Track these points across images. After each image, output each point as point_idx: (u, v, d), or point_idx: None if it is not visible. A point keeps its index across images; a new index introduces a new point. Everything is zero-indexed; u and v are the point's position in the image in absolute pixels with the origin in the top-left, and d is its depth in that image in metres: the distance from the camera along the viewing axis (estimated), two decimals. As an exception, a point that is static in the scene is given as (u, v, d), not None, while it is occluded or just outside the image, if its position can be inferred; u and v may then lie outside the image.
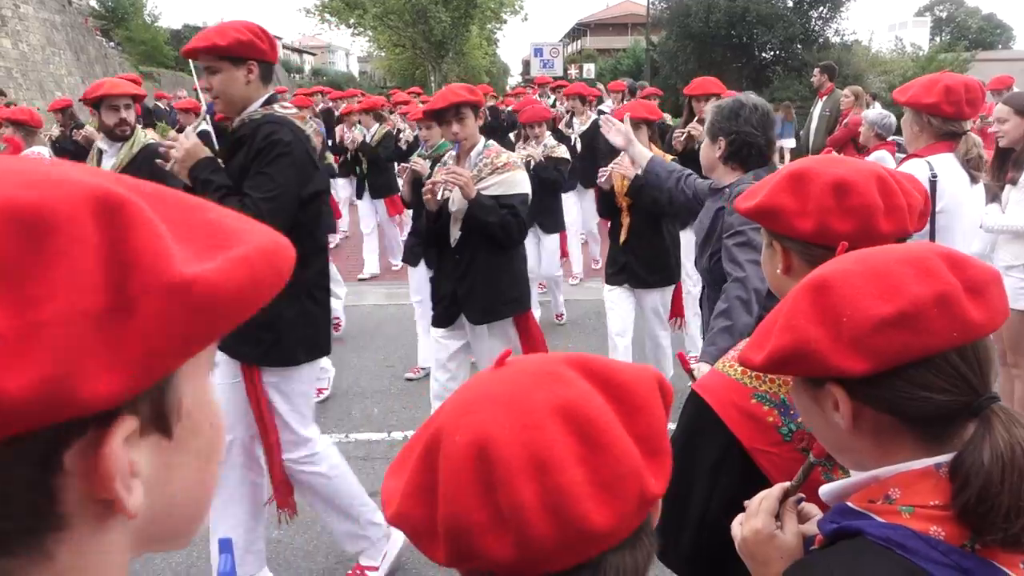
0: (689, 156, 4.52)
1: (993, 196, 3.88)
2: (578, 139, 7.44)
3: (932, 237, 2.93)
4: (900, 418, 0.92)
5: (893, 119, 5.85)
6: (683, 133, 5.13)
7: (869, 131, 5.85)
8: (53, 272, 0.42)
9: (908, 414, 0.91)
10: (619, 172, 3.97)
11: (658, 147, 4.52)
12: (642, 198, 4.14)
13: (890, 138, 5.85)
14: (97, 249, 0.43)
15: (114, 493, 0.47)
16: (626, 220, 4.39)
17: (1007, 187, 3.96)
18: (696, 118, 5.17)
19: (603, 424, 0.70)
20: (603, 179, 4.17)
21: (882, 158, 5.67)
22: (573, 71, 29.41)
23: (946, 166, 2.96)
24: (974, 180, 3.01)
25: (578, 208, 7.82)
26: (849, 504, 0.96)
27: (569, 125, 7.75)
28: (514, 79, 55.06)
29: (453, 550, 0.70)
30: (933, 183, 2.92)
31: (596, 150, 6.91)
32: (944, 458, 0.90)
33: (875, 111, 6.02)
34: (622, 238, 4.41)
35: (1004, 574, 0.86)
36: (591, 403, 0.71)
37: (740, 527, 1.15)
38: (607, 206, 4.49)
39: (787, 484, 1.14)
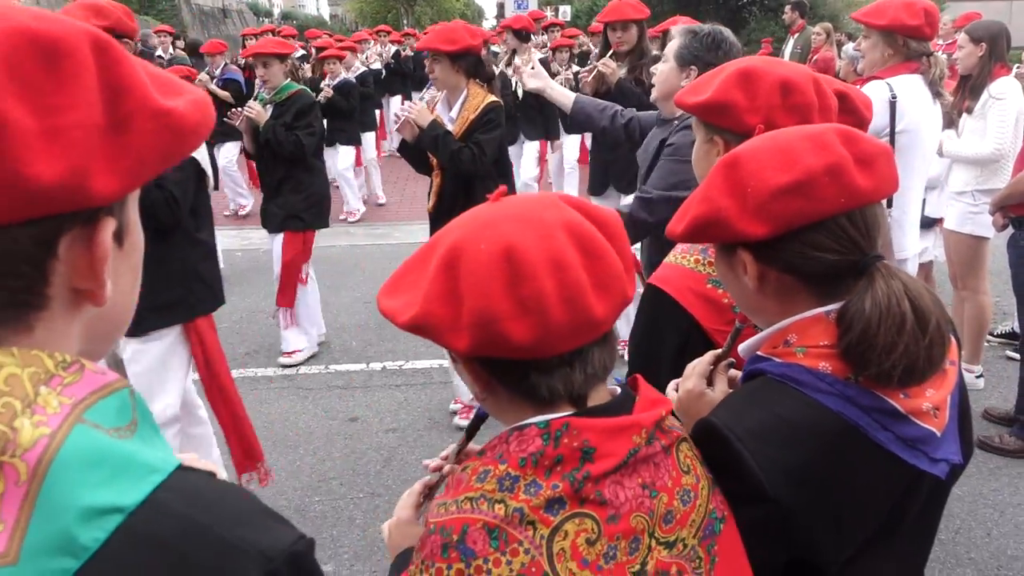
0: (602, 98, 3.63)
1: (950, 121, 3.97)
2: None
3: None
4: (797, 276, 1.05)
5: (863, 51, 5.90)
6: (592, 70, 4.17)
7: (848, 66, 5.91)
8: (67, 89, 0.52)
9: (804, 272, 1.04)
10: None
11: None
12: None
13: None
14: (98, 75, 0.53)
15: (100, 278, 0.56)
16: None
17: (963, 115, 4.05)
18: (611, 51, 4.27)
19: (597, 239, 0.87)
20: None
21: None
22: (549, 13, 28.87)
23: (908, 87, 3.00)
24: (937, 98, 3.06)
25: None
26: (758, 353, 1.09)
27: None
28: (489, 22, 53.97)
29: (478, 338, 0.84)
30: (893, 104, 2.97)
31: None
32: (833, 307, 1.02)
33: (854, 46, 6.05)
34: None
35: (883, 400, 0.99)
36: (585, 224, 0.88)
37: (675, 391, 1.27)
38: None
39: (718, 351, 1.25)
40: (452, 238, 0.88)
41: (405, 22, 33.60)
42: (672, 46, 2.57)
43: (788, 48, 9.32)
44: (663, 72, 2.58)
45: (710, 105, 1.41)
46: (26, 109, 0.49)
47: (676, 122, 2.63)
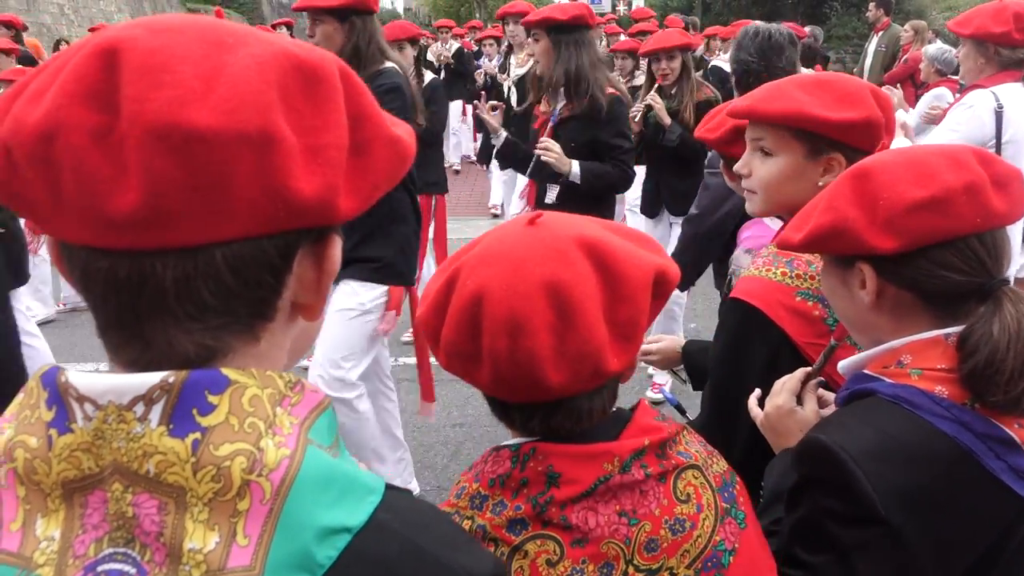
0: (653, 144, 4.00)
1: None
2: None
3: None
4: (918, 295, 1.03)
5: (954, 54, 5.67)
6: (637, 112, 4.04)
7: (929, 67, 5.69)
8: (323, 111, 0.55)
9: (927, 291, 1.02)
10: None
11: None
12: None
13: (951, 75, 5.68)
14: (345, 101, 0.57)
15: (324, 293, 0.61)
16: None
17: None
18: (655, 85, 4.11)
19: (583, 307, 0.84)
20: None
21: (941, 95, 5.52)
22: (621, 7, 28.59)
23: (1013, 96, 2.94)
24: None
25: None
26: (864, 371, 1.07)
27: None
28: (561, 16, 53.56)
29: (449, 363, 0.90)
30: (999, 113, 2.92)
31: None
32: (953, 329, 1.00)
33: (936, 46, 5.83)
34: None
35: (999, 428, 0.97)
36: (580, 286, 0.84)
37: (759, 405, 1.25)
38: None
39: (809, 368, 1.23)
40: (464, 257, 0.91)
41: (478, 15, 33.75)
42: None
43: (871, 46, 9.01)
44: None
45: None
46: (291, 127, 0.53)
47: None
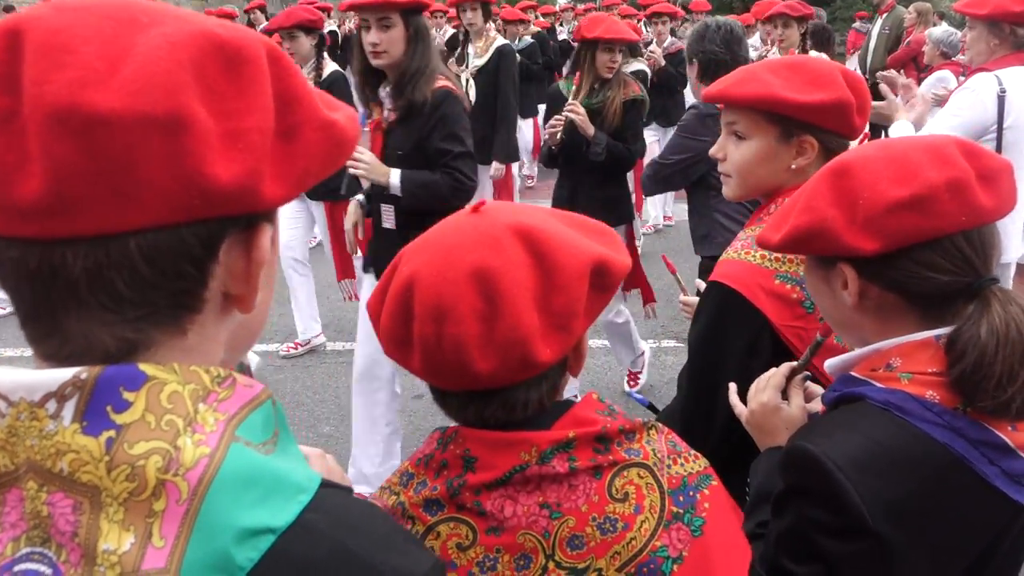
0: (574, 156, 3.63)
1: None
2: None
3: (998, 151, 2.89)
4: (904, 296, 0.98)
5: (959, 37, 5.60)
6: (558, 126, 3.71)
7: (934, 50, 5.62)
8: (246, 94, 0.53)
9: (912, 292, 0.97)
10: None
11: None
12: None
13: (955, 57, 5.61)
14: (272, 83, 0.55)
15: (254, 284, 0.58)
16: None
17: None
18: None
19: (512, 295, 0.81)
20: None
21: (945, 78, 5.46)
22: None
23: (1017, 80, 2.88)
24: None
25: None
26: (852, 374, 1.02)
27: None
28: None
29: (387, 348, 0.89)
30: (1002, 98, 2.87)
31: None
32: (943, 330, 0.95)
33: (942, 28, 5.76)
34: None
35: (992, 433, 0.93)
36: (511, 274, 0.82)
37: (742, 400, 1.22)
38: None
39: (795, 363, 1.20)
40: (410, 245, 0.91)
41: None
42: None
43: (876, 28, 8.91)
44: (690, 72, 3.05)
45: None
46: (208, 111, 0.51)
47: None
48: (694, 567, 0.87)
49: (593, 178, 3.63)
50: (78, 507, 0.50)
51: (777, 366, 1.23)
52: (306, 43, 4.24)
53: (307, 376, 4.42)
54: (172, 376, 0.53)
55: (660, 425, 0.96)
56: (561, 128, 3.53)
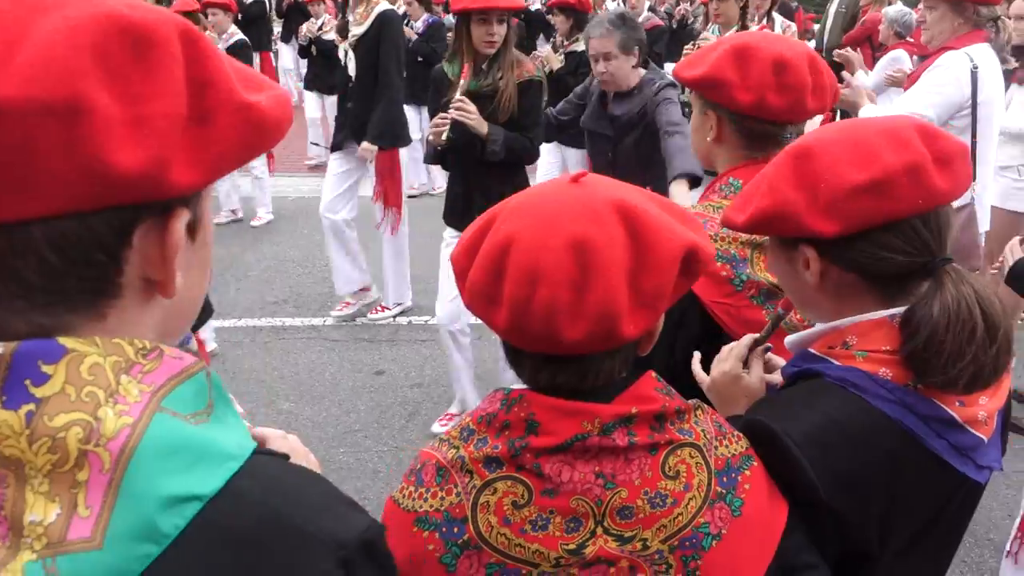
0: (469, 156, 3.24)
1: None
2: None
3: (974, 128, 2.92)
4: (862, 276, 1.02)
5: (914, 16, 5.69)
6: (444, 125, 3.33)
7: (888, 29, 5.71)
8: (154, 78, 0.51)
9: (870, 273, 1.01)
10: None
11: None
12: None
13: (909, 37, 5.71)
14: (185, 67, 0.53)
15: (171, 269, 0.57)
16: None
17: (1012, 86, 3.92)
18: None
19: (607, 268, 0.83)
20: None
21: (899, 58, 5.56)
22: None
23: (984, 56, 2.92)
24: (1003, 64, 3.02)
25: None
26: (811, 350, 1.06)
27: None
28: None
29: (471, 301, 0.91)
30: (975, 74, 2.88)
31: None
32: (898, 310, 0.99)
33: (896, 8, 5.85)
34: None
35: (941, 408, 0.98)
36: (608, 249, 0.84)
37: (704, 370, 1.28)
38: None
39: (757, 335, 1.24)
40: (504, 206, 0.93)
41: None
42: (616, 40, 3.09)
43: (832, 7, 8.99)
44: (620, 65, 3.15)
45: (704, 80, 1.44)
46: (111, 96, 0.49)
47: (635, 92, 3.17)
48: (731, 544, 0.90)
49: (492, 176, 3.17)
50: (3, 480, 0.50)
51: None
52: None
53: (265, 352, 4.36)
54: (93, 348, 0.53)
55: (705, 406, 0.98)
56: (446, 128, 3.07)
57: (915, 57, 5.81)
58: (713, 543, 0.89)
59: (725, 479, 0.92)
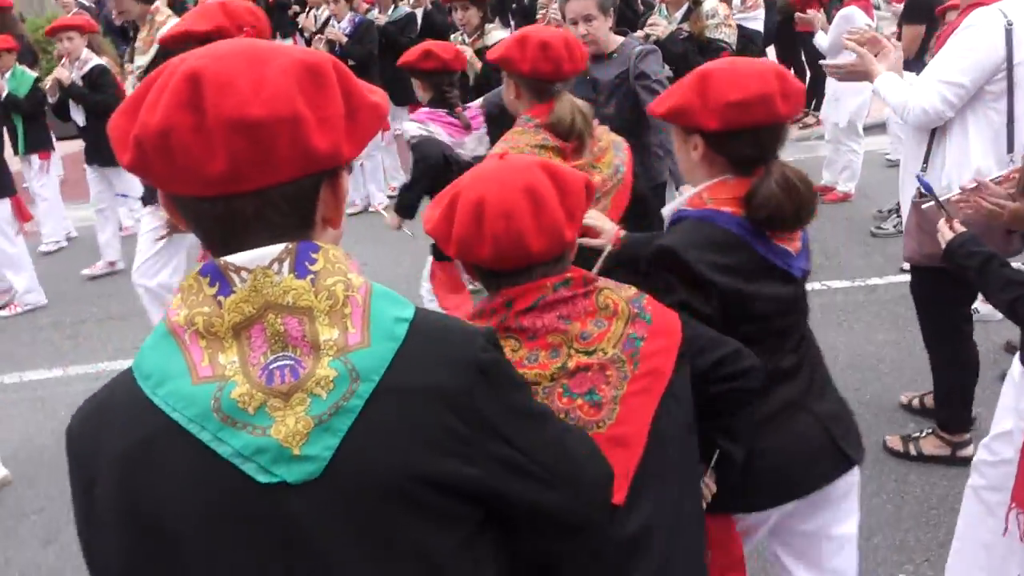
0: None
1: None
2: None
3: (1011, 91, 2.68)
4: (727, 159, 1.65)
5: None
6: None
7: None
8: (325, 94, 0.83)
9: (731, 157, 1.65)
10: None
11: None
12: None
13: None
14: (338, 84, 0.85)
15: (341, 210, 0.92)
16: None
17: None
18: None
19: (547, 200, 1.28)
20: None
21: (850, 16, 5.51)
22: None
23: (1020, 11, 2.61)
24: None
25: None
26: (683, 207, 1.71)
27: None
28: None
29: (460, 251, 1.31)
30: (1009, 31, 2.59)
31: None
32: (731, 176, 1.65)
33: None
34: None
35: (762, 231, 1.62)
36: (544, 188, 1.29)
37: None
38: None
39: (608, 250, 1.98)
40: (462, 183, 1.35)
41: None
42: (596, 1, 3.13)
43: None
44: (600, 26, 3.17)
45: (672, 111, 1.70)
46: (309, 108, 0.81)
47: (615, 55, 3.24)
48: (652, 341, 1.35)
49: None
50: (302, 322, 0.82)
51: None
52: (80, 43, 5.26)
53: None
54: (329, 246, 0.88)
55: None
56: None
57: (876, 11, 5.76)
58: (641, 343, 1.34)
59: (635, 305, 1.37)
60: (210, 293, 0.82)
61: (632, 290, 1.41)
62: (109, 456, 0.83)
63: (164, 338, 0.84)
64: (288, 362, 0.81)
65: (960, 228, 2.09)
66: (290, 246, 0.83)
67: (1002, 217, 2.23)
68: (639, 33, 4.26)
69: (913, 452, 3.12)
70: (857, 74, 2.94)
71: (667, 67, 3.52)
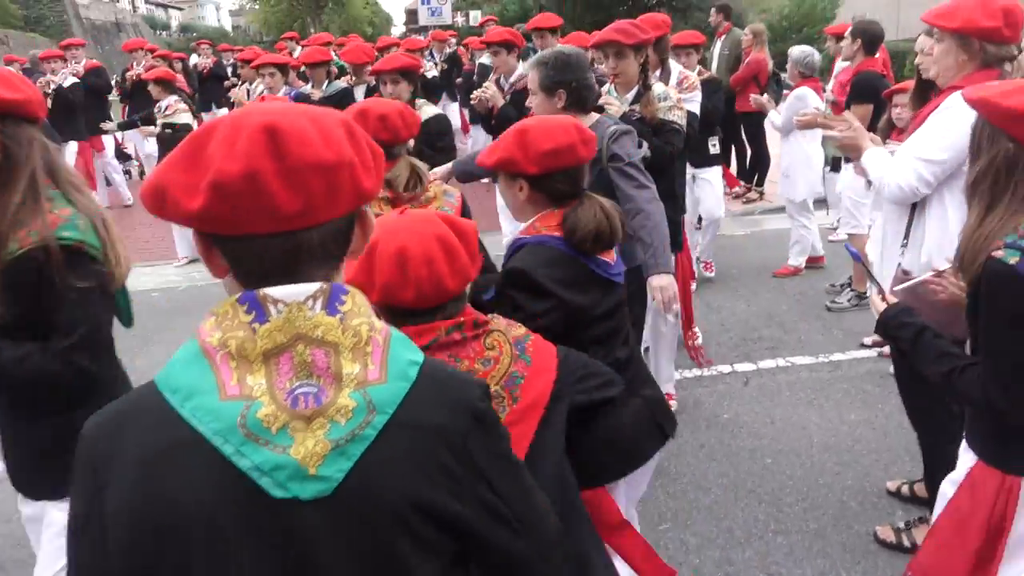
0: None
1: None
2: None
3: None
4: (546, 196, 2.06)
5: (817, 56, 5.83)
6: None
7: (794, 68, 5.82)
8: (360, 144, 0.98)
9: (550, 194, 2.06)
10: None
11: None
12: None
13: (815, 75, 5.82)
14: (364, 134, 1.01)
15: (368, 240, 1.04)
16: None
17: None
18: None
19: (455, 247, 1.54)
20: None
21: (803, 96, 5.65)
22: (459, 19, 28.59)
23: None
24: None
25: None
26: (520, 236, 2.07)
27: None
28: (398, 29, 53.27)
29: (384, 296, 1.50)
30: None
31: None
32: (555, 211, 2.06)
33: (799, 49, 5.95)
34: None
35: (580, 251, 2.02)
36: (451, 237, 1.55)
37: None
38: None
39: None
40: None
41: (312, 31, 32.70)
42: (534, 79, 2.92)
43: (716, 50, 9.28)
44: (537, 103, 2.93)
45: (500, 163, 2.11)
46: (357, 155, 0.96)
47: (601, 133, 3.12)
48: (530, 379, 1.61)
49: None
50: (328, 354, 0.93)
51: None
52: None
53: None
54: (356, 291, 0.99)
55: (499, 316, 1.72)
56: None
57: (825, 93, 5.92)
58: (521, 381, 1.60)
59: (518, 347, 1.63)
60: (245, 320, 0.91)
61: (521, 330, 1.68)
62: (128, 459, 0.88)
63: (195, 356, 0.91)
64: (312, 389, 0.91)
65: (892, 300, 2.10)
66: (324, 286, 0.94)
67: (963, 301, 2.17)
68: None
69: (907, 543, 2.96)
70: (848, 147, 2.96)
71: (645, 144, 3.36)
